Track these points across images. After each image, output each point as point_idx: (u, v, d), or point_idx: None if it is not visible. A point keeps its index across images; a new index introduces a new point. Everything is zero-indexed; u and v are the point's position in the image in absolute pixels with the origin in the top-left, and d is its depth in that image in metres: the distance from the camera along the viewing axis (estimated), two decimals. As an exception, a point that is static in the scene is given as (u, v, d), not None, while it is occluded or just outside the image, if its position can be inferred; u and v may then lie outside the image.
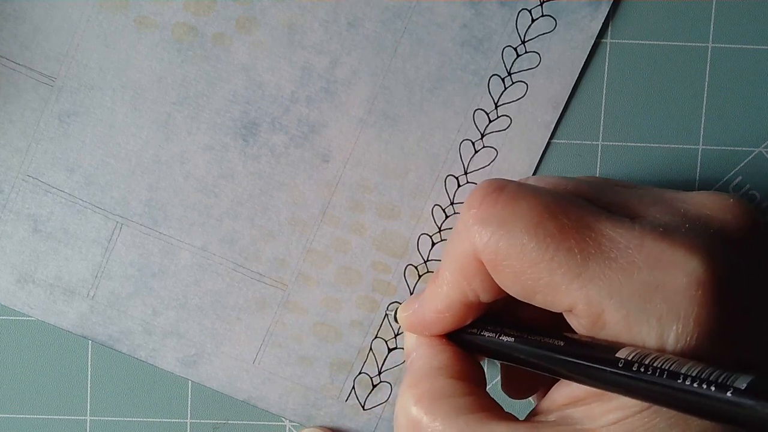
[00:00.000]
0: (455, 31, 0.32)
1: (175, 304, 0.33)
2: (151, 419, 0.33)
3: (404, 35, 0.32)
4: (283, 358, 0.33)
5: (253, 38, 0.32)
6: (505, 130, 0.32)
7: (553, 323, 0.26)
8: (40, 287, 0.32)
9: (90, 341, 0.33)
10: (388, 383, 0.33)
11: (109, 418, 0.33)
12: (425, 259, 0.33)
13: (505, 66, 0.32)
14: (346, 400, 0.33)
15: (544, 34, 0.32)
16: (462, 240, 0.25)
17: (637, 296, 0.22)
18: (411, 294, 0.33)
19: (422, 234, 0.33)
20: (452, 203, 0.33)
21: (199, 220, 0.32)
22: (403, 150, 0.32)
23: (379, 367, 0.33)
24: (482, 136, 0.32)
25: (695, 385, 0.20)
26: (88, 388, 0.33)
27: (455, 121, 0.32)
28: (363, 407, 0.34)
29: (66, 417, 0.33)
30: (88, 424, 0.33)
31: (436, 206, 0.33)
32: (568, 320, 0.24)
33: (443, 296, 0.27)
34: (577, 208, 0.24)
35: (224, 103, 0.32)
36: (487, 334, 0.27)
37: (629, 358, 0.21)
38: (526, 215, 0.24)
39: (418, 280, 0.33)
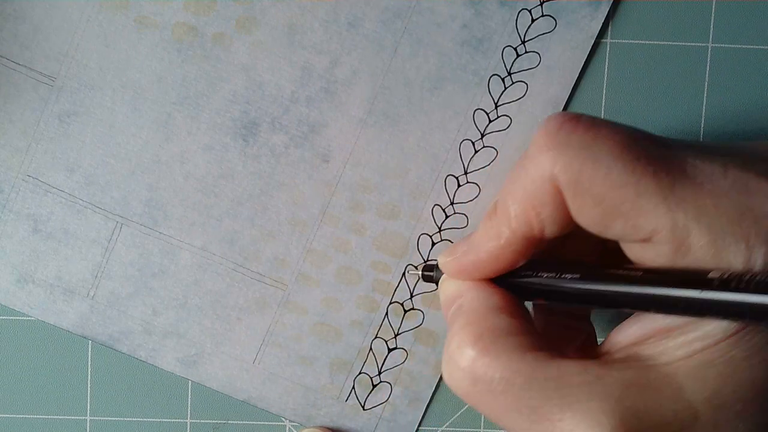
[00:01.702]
0: (455, 31, 0.32)
1: (175, 304, 0.33)
2: (151, 419, 0.33)
3: (404, 35, 0.32)
4: (283, 358, 0.33)
5: (253, 38, 0.32)
6: (505, 130, 0.32)
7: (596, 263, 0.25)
8: (40, 287, 0.32)
9: (90, 341, 0.33)
10: (388, 383, 0.33)
11: (109, 418, 0.33)
12: (425, 259, 0.33)
13: (505, 66, 0.32)
14: (346, 400, 0.33)
15: (544, 34, 0.32)
16: (536, 166, 0.24)
17: (725, 220, 0.22)
18: (411, 294, 0.33)
19: (422, 234, 0.33)
20: (452, 203, 0.33)
21: (199, 220, 0.32)
22: (403, 150, 0.32)
23: (379, 367, 0.33)
24: (482, 136, 0.32)
25: None
26: (88, 388, 0.33)
27: (455, 121, 0.32)
28: (363, 407, 0.34)
29: (66, 417, 0.33)
30: (88, 424, 0.33)
31: (436, 206, 0.33)
32: (633, 255, 0.24)
33: (504, 230, 0.25)
34: (659, 138, 0.24)
35: (224, 103, 0.32)
36: (545, 274, 0.25)
37: (725, 278, 0.21)
38: (610, 140, 0.23)
39: (418, 280, 0.33)
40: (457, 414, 0.34)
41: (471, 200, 0.33)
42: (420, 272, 0.31)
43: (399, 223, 0.33)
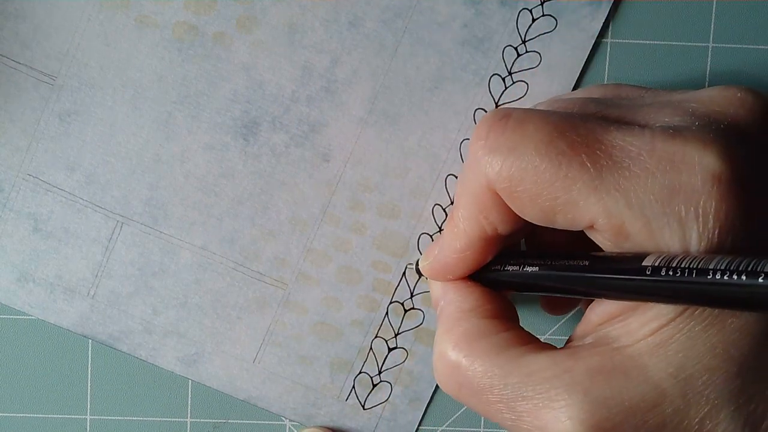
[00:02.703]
0: (456, 31, 0.32)
1: (175, 304, 0.33)
2: (151, 418, 0.33)
3: (405, 35, 0.32)
4: (284, 357, 0.33)
5: (254, 37, 0.32)
6: (505, 129, 0.32)
7: (578, 247, 0.25)
8: (40, 286, 0.32)
9: (90, 340, 0.33)
10: (388, 383, 0.33)
11: (109, 417, 0.33)
12: (425, 259, 0.33)
13: (505, 65, 0.32)
14: (346, 400, 0.33)
15: (544, 33, 0.32)
16: (473, 173, 0.25)
17: (655, 202, 0.22)
18: (411, 293, 0.33)
19: (422, 233, 0.33)
20: (453, 203, 0.33)
21: (200, 220, 0.32)
22: (404, 149, 0.32)
23: (380, 366, 0.33)
24: (483, 135, 0.32)
25: (726, 277, 0.20)
26: (88, 387, 0.33)
27: (456, 121, 0.32)
28: (363, 407, 0.34)
29: (66, 416, 0.33)
30: (88, 423, 0.33)
31: (436, 206, 0.33)
32: (592, 237, 0.24)
33: (461, 235, 0.26)
34: (585, 123, 0.24)
35: (225, 102, 0.32)
36: (510, 268, 0.26)
37: (656, 264, 0.21)
38: (535, 137, 0.23)
39: (419, 279, 0.33)
40: (457, 414, 0.34)
41: (471, 200, 0.32)
42: (414, 269, 0.32)
43: (399, 222, 0.33)
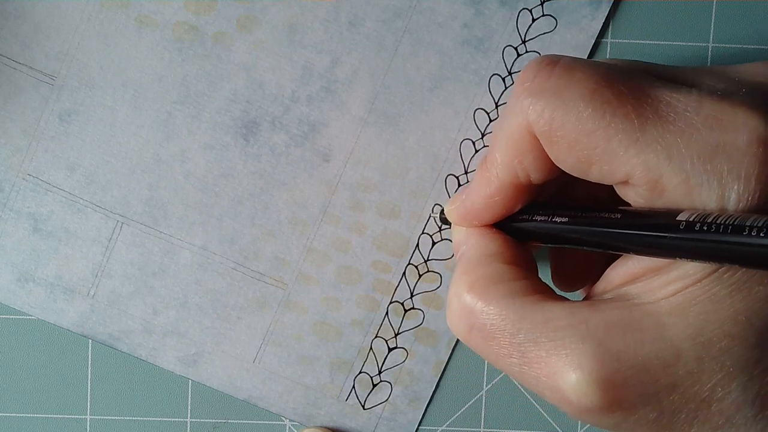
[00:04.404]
0: (456, 31, 0.32)
1: (175, 303, 0.33)
2: (151, 418, 0.33)
3: (405, 35, 0.32)
4: (284, 357, 0.33)
5: (254, 37, 0.32)
6: (505, 129, 0.32)
7: (605, 204, 0.25)
8: (40, 286, 0.32)
9: (90, 340, 0.33)
10: (388, 383, 0.33)
11: (109, 417, 0.33)
12: (425, 259, 0.33)
13: (505, 65, 0.32)
14: (347, 400, 0.33)
15: (544, 33, 0.32)
16: (514, 115, 0.24)
17: (697, 158, 0.22)
18: (411, 294, 0.33)
19: (423, 233, 0.33)
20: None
21: (200, 219, 0.32)
22: (404, 149, 0.32)
23: (380, 366, 0.33)
24: (483, 135, 0.32)
25: (762, 234, 0.19)
26: (88, 387, 0.33)
27: (456, 121, 0.32)
28: (363, 407, 0.34)
29: (66, 416, 0.33)
30: (88, 423, 0.33)
31: (436, 205, 0.33)
32: (622, 195, 0.24)
33: (493, 179, 0.26)
34: (634, 76, 0.23)
35: (225, 102, 0.32)
36: (539, 218, 0.26)
37: (690, 220, 0.21)
38: (581, 84, 0.23)
39: (419, 279, 0.33)
40: (457, 414, 0.34)
41: (471, 200, 0.33)
42: (438, 217, 0.32)
43: (399, 222, 0.33)
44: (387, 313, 0.33)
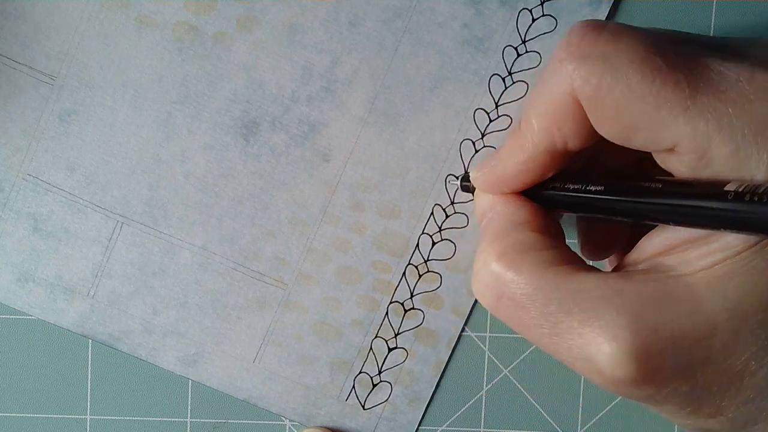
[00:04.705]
0: (456, 31, 0.32)
1: (175, 303, 0.33)
2: (151, 418, 0.33)
3: (405, 35, 0.32)
4: (284, 357, 0.33)
5: (254, 37, 0.32)
6: (505, 129, 0.32)
7: (632, 174, 0.25)
8: (40, 286, 0.32)
9: (90, 340, 0.33)
10: (388, 383, 0.33)
11: (109, 417, 0.33)
12: (425, 259, 0.33)
13: (505, 65, 0.32)
14: (346, 400, 0.33)
15: (544, 33, 0.32)
16: (556, 79, 0.24)
17: (748, 128, 0.21)
18: (411, 293, 0.33)
19: (423, 233, 0.33)
20: (453, 203, 0.33)
21: (200, 219, 0.32)
22: (404, 149, 0.32)
23: (380, 366, 0.33)
24: (483, 135, 0.32)
25: None
26: (88, 387, 0.33)
27: (456, 121, 0.32)
28: (363, 407, 0.34)
29: (66, 416, 0.33)
30: (88, 423, 0.33)
31: (436, 205, 0.33)
32: (664, 163, 0.23)
33: (528, 145, 0.25)
34: (684, 44, 0.23)
35: (225, 102, 0.32)
36: (571, 186, 0.25)
37: (740, 190, 0.20)
38: (631, 49, 0.23)
39: (419, 279, 0.33)
40: (457, 414, 0.34)
41: (471, 200, 0.32)
42: (459, 183, 0.31)
43: (399, 222, 0.33)
44: (387, 313, 0.33)
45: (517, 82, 0.32)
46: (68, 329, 0.33)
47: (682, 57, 0.22)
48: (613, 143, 0.24)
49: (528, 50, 0.32)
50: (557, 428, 0.34)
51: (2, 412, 0.33)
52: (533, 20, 0.32)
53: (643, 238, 0.25)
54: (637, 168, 0.25)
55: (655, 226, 0.24)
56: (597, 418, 0.34)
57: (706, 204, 0.21)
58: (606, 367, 0.22)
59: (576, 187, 0.25)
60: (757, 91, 0.22)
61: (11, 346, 0.33)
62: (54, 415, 0.33)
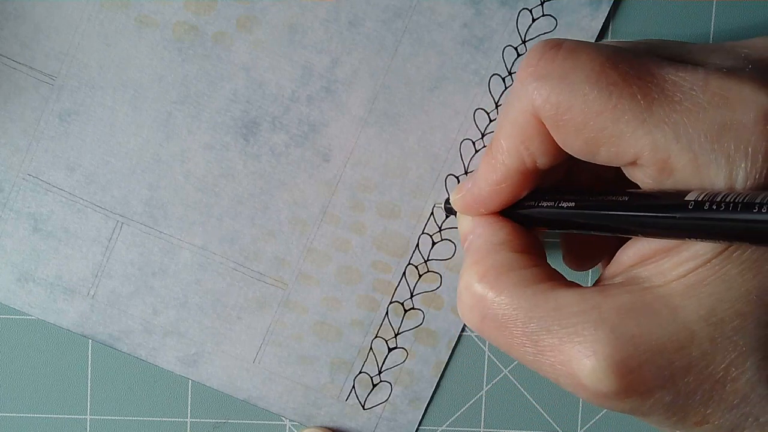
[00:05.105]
0: (456, 31, 0.32)
1: (175, 303, 0.33)
2: (151, 418, 0.33)
3: (405, 35, 0.32)
4: (284, 357, 0.33)
5: (254, 37, 0.32)
6: (505, 129, 0.32)
7: (611, 187, 0.25)
8: (40, 286, 0.32)
9: (90, 340, 0.33)
10: (388, 383, 0.33)
11: (109, 417, 0.33)
12: (425, 259, 0.33)
13: (505, 65, 0.32)
14: (346, 400, 0.33)
15: (544, 33, 0.32)
16: (519, 101, 0.24)
17: (704, 137, 0.21)
18: (411, 293, 0.33)
19: (423, 233, 0.33)
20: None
21: (200, 219, 0.32)
22: (404, 149, 0.32)
23: (380, 366, 0.33)
24: (483, 135, 0.32)
25: None
26: (88, 387, 0.33)
27: (456, 121, 0.32)
28: (363, 407, 0.34)
29: (66, 416, 0.33)
30: (88, 423, 0.33)
31: (436, 205, 0.33)
32: (630, 176, 0.24)
33: (499, 166, 0.26)
34: (638, 57, 0.23)
35: (225, 102, 0.32)
36: (545, 203, 0.26)
37: (699, 199, 0.21)
38: (587, 66, 0.23)
39: (419, 279, 0.33)
40: (457, 414, 0.34)
41: (471, 200, 0.33)
42: (443, 206, 0.32)
43: (399, 222, 0.33)
44: (387, 313, 0.33)
45: (517, 82, 0.32)
46: (68, 329, 0.33)
47: (637, 69, 0.23)
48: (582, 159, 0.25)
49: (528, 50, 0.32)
50: (557, 428, 0.34)
51: (2, 412, 0.33)
52: (533, 20, 0.32)
53: (619, 250, 0.25)
54: (615, 179, 0.26)
55: (630, 238, 0.25)
56: (597, 418, 0.34)
57: (669, 215, 0.21)
58: (588, 382, 0.23)
59: (549, 204, 0.26)
60: (711, 99, 0.22)
61: (11, 346, 0.33)
62: (54, 415, 0.33)
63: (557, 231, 0.29)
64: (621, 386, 0.23)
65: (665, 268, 0.23)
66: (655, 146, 0.22)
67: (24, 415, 0.33)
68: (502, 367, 0.34)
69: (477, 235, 0.27)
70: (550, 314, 0.24)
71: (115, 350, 0.33)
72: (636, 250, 0.24)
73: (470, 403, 0.34)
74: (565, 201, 0.25)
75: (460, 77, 0.32)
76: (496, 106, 0.32)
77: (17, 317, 0.33)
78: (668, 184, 0.23)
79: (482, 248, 0.26)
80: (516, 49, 0.32)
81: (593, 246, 0.30)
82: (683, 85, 0.22)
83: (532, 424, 0.34)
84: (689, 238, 0.22)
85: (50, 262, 0.32)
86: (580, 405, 0.34)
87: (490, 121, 0.32)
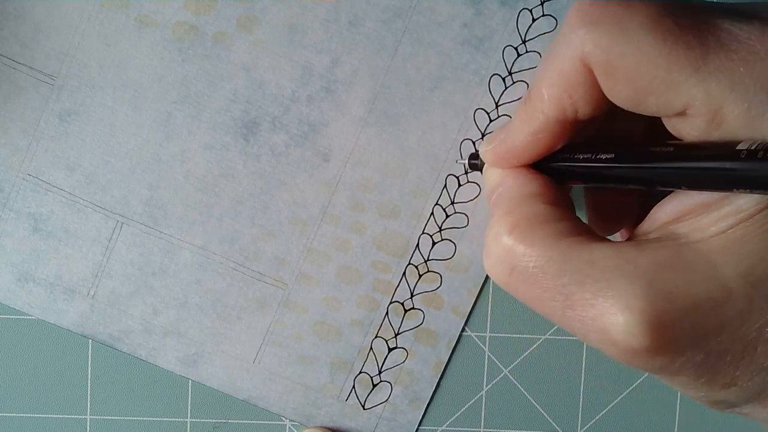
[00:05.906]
0: (456, 31, 0.32)
1: (175, 303, 0.33)
2: (151, 418, 0.33)
3: (405, 34, 0.32)
4: (284, 357, 0.33)
5: (254, 37, 0.32)
6: (505, 129, 0.32)
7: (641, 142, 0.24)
8: (40, 286, 0.32)
9: (90, 340, 0.33)
10: (389, 383, 0.33)
11: (109, 417, 0.33)
12: (425, 259, 0.33)
13: (505, 65, 0.32)
14: (347, 400, 0.33)
15: (544, 33, 0.32)
16: (567, 46, 0.23)
17: (760, 87, 0.21)
18: (411, 293, 0.33)
19: (423, 233, 0.33)
20: (453, 203, 0.33)
21: (200, 219, 0.32)
22: (404, 149, 0.32)
23: (380, 366, 0.33)
24: (483, 135, 0.32)
25: None
26: (89, 387, 0.33)
27: (456, 121, 0.32)
28: (363, 407, 0.34)
29: (66, 416, 0.33)
30: (88, 423, 0.33)
31: (436, 205, 0.33)
32: (673, 128, 0.23)
33: (538, 115, 0.25)
34: (694, 6, 0.23)
35: (225, 102, 0.32)
36: (581, 155, 0.25)
37: (753, 148, 0.20)
38: (642, 12, 0.22)
39: (419, 279, 0.33)
40: (457, 414, 0.34)
41: (471, 200, 0.33)
42: (467, 161, 0.31)
43: (399, 222, 0.33)
44: (387, 313, 0.33)
45: (517, 82, 0.32)
46: (68, 329, 0.33)
47: (693, 18, 0.22)
48: (620, 112, 0.24)
49: (528, 50, 0.32)
50: (557, 428, 0.34)
51: (2, 412, 0.33)
52: (533, 20, 0.32)
53: (654, 207, 0.24)
54: (644, 138, 0.25)
55: (667, 194, 0.24)
56: (597, 418, 0.34)
57: (719, 165, 0.21)
58: (620, 337, 0.22)
59: (586, 156, 0.25)
60: None
61: (11, 346, 0.33)
62: (54, 415, 0.33)
63: (591, 185, 0.28)
64: (653, 343, 0.22)
65: (704, 223, 0.22)
66: (708, 95, 0.21)
67: (24, 415, 0.33)
68: (502, 367, 0.34)
69: (507, 187, 0.26)
70: (583, 268, 0.23)
71: (115, 350, 0.33)
72: (673, 206, 0.23)
73: (470, 403, 0.34)
74: (604, 152, 0.24)
75: (460, 77, 0.32)
76: (497, 106, 0.32)
77: (17, 317, 0.33)
78: (715, 135, 0.22)
79: (514, 199, 0.26)
80: (516, 49, 0.32)
81: (621, 207, 0.29)
82: (740, 35, 0.22)
83: (532, 424, 0.34)
84: (738, 189, 0.21)
85: (50, 262, 0.32)
86: (580, 405, 0.34)
87: (490, 121, 0.32)
